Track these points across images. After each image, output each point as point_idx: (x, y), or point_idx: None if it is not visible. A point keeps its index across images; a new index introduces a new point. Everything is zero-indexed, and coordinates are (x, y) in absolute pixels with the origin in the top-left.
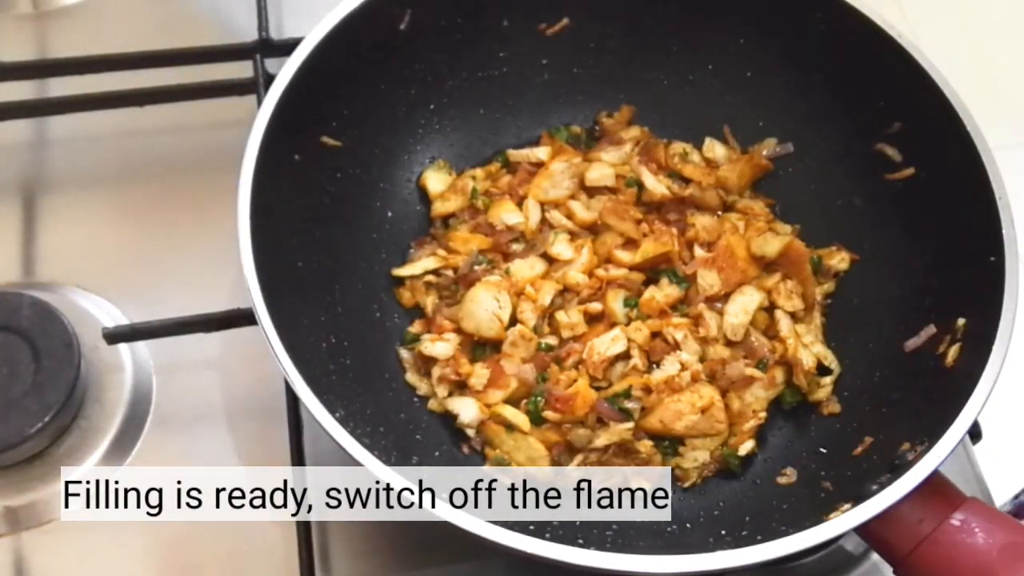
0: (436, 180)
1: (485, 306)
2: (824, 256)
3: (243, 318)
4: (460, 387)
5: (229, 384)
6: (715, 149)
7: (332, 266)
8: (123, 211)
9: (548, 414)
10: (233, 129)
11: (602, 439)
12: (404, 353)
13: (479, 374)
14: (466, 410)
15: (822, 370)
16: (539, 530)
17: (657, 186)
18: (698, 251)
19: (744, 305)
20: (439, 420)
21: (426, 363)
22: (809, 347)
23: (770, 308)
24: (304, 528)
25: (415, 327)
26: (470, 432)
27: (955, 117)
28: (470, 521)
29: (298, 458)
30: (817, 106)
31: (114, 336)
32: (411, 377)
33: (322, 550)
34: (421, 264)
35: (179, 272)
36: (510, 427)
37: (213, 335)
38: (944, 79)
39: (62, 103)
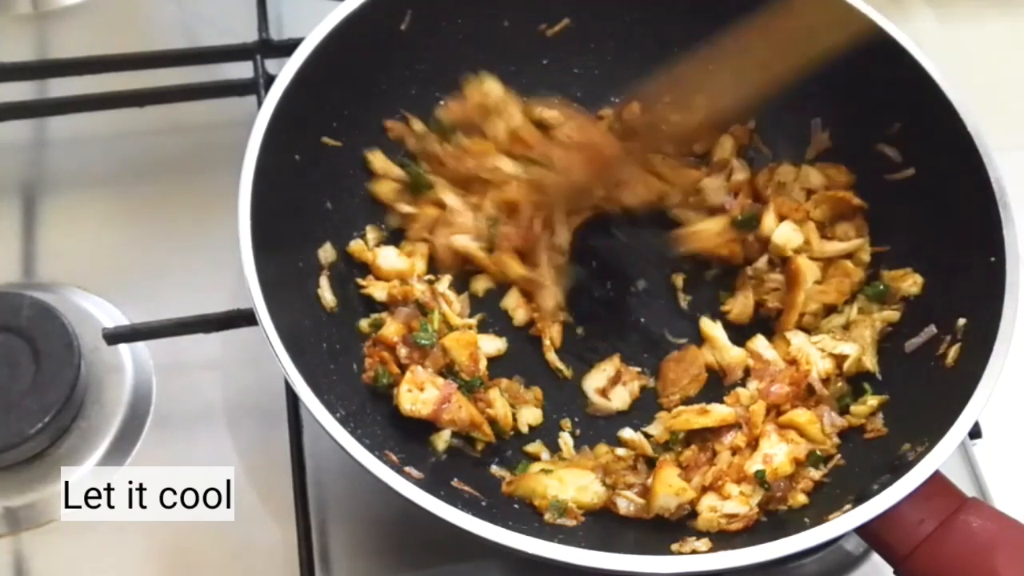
0: None
1: None
2: (892, 280)
3: (243, 318)
4: None
5: (229, 384)
6: (811, 177)
7: None
8: (123, 211)
9: None
10: (233, 129)
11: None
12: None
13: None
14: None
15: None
16: (539, 530)
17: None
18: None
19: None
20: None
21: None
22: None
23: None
24: (304, 528)
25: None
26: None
27: (955, 117)
28: (470, 521)
29: (298, 458)
30: (817, 106)
31: (114, 336)
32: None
33: (322, 550)
34: None
35: (179, 272)
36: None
37: (213, 335)
38: (944, 79)
39: (62, 103)
